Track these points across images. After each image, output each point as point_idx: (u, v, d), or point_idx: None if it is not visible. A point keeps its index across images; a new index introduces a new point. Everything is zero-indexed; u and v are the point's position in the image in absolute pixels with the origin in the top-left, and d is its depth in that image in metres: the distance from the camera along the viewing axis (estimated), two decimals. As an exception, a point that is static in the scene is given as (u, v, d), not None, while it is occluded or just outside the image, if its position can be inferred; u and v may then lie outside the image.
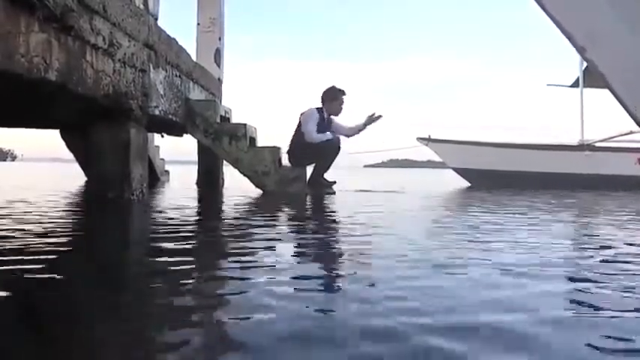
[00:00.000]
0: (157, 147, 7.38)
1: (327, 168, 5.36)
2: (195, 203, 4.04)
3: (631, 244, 2.07)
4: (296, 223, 2.72)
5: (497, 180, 8.12)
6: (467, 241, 1.99)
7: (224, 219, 2.98)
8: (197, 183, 6.33)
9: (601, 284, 1.28)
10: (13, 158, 38.36)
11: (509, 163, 8.35)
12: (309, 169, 5.28)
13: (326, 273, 1.44)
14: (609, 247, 1.98)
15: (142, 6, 3.54)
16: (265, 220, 2.72)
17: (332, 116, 5.42)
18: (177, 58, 4.33)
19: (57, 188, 5.28)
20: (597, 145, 8.35)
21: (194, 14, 6.33)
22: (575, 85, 9.04)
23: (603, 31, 0.85)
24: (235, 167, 4.93)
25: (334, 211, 3.44)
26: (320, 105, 5.35)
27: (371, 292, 1.18)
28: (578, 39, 0.85)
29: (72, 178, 7.44)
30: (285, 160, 5.25)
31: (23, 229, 2.13)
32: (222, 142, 4.83)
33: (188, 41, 6.41)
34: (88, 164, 4.94)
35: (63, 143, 6.25)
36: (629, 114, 0.90)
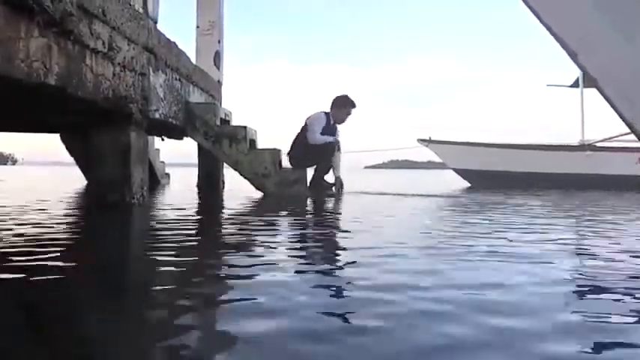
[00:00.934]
0: (158, 150, 7.38)
1: (328, 170, 5.37)
2: (195, 206, 4.03)
3: None
4: (297, 226, 2.71)
5: (498, 180, 8.13)
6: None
7: (225, 222, 2.98)
8: (198, 186, 6.33)
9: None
10: (14, 162, 38.37)
11: (509, 164, 8.36)
12: (310, 172, 5.29)
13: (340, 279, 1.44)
14: None
15: (141, 10, 3.54)
16: (266, 224, 2.72)
17: (337, 124, 5.44)
18: (177, 61, 4.33)
19: (57, 191, 5.28)
20: (598, 145, 8.35)
21: (193, 17, 6.35)
22: (575, 85, 9.05)
23: (594, 38, 0.87)
24: (235, 170, 4.93)
25: (334, 214, 3.43)
26: (328, 110, 5.37)
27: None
28: (570, 45, 0.87)
29: (72, 181, 7.44)
30: (285, 162, 5.26)
31: (24, 233, 2.13)
32: (222, 144, 4.83)
33: (188, 44, 6.42)
34: (88, 168, 4.95)
35: (63, 147, 6.27)
36: (620, 116, 0.92)
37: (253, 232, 2.32)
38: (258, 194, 4.80)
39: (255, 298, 1.12)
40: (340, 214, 3.47)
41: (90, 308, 1.10)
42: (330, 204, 4.14)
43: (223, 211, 3.69)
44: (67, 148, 6.17)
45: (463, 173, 8.90)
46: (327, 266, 1.57)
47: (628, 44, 0.86)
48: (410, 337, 0.88)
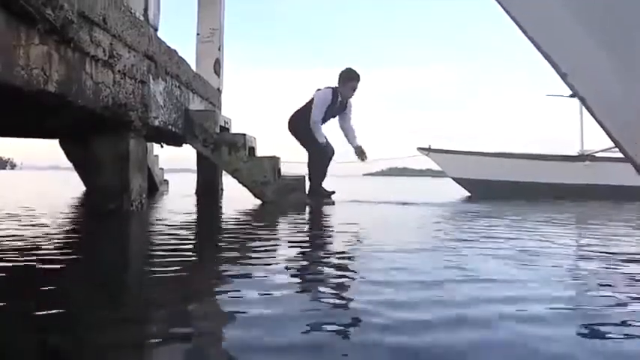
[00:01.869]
0: (156, 156, 7.37)
1: (324, 176, 5.34)
2: (194, 214, 4.02)
3: None
4: (297, 237, 2.70)
5: (497, 190, 8.12)
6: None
7: (223, 231, 2.97)
8: (196, 192, 6.32)
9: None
10: (13, 166, 38.36)
11: (508, 174, 8.36)
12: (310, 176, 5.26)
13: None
14: None
15: (142, 17, 3.55)
16: (265, 233, 2.71)
17: (349, 105, 5.30)
18: (177, 68, 4.34)
19: (56, 197, 5.27)
20: (597, 155, 8.36)
21: (194, 24, 6.37)
22: (574, 95, 9.06)
23: (582, 60, 0.90)
24: (234, 177, 4.93)
25: (333, 226, 3.42)
26: (336, 85, 5.26)
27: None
28: (560, 66, 0.90)
29: (71, 186, 7.43)
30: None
31: (24, 241, 2.12)
32: (221, 152, 4.82)
33: (188, 51, 6.44)
34: (87, 175, 4.94)
35: (61, 151, 6.25)
36: (607, 134, 0.94)
37: (251, 242, 2.31)
38: (257, 202, 4.79)
39: (254, 312, 1.11)
40: (337, 224, 3.46)
41: (89, 319, 1.09)
42: (328, 212, 4.13)
43: (222, 219, 3.68)
44: (66, 154, 6.16)
45: (463, 182, 8.90)
46: (322, 275, 1.56)
47: (614, 67, 0.90)
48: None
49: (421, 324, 1.04)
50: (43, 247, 2.04)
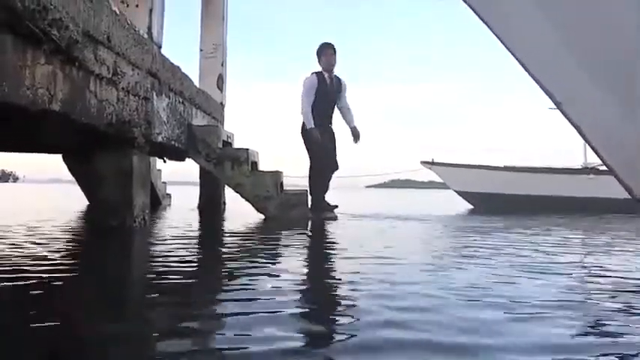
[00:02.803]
0: (159, 170, 7.38)
1: (326, 189, 5.32)
2: (196, 230, 4.01)
3: None
4: (300, 252, 2.69)
5: (500, 203, 8.11)
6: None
7: (225, 247, 2.96)
8: (199, 207, 6.32)
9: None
10: (15, 179, 38.48)
11: (512, 187, 8.35)
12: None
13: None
14: None
15: (146, 35, 3.58)
16: (269, 250, 2.69)
17: (344, 84, 5.26)
18: (180, 84, 4.36)
19: (59, 212, 5.27)
20: (601, 168, 8.34)
21: (197, 40, 6.42)
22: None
23: (576, 90, 0.92)
24: (237, 192, 4.93)
25: (334, 243, 3.41)
26: (319, 69, 5.22)
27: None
28: (555, 95, 0.92)
29: (73, 200, 7.44)
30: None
31: (27, 257, 2.11)
32: (224, 167, 4.83)
33: (191, 66, 6.49)
34: (90, 191, 4.94)
35: (63, 164, 6.26)
36: (604, 164, 0.96)
37: (254, 259, 2.29)
38: (260, 216, 4.78)
39: (254, 330, 1.10)
40: (343, 240, 3.45)
41: (91, 335, 1.08)
42: (331, 227, 4.11)
43: (224, 235, 3.67)
44: (69, 169, 6.17)
45: (466, 196, 8.89)
46: (327, 295, 1.55)
47: (609, 97, 0.91)
48: None
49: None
50: (46, 262, 2.03)
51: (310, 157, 5.20)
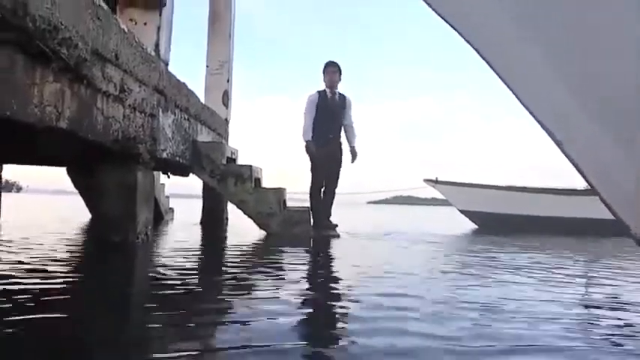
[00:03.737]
0: (163, 185, 7.40)
1: (328, 210, 5.34)
2: (199, 247, 4.01)
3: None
4: (302, 270, 2.67)
5: (505, 223, 8.07)
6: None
7: (228, 266, 2.94)
8: (201, 222, 6.31)
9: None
10: (19, 190, 38.58)
11: (516, 207, 8.31)
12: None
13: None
14: None
15: (153, 52, 3.62)
16: (271, 268, 2.68)
17: (348, 102, 5.34)
18: (186, 101, 4.40)
19: (62, 226, 5.27)
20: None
21: (204, 56, 6.49)
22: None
23: (577, 130, 0.92)
24: (240, 208, 4.93)
25: (336, 262, 3.39)
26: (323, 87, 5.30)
27: None
28: (555, 135, 0.93)
29: (76, 212, 7.45)
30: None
31: (30, 271, 2.11)
32: (227, 183, 4.84)
33: (197, 81, 6.54)
34: (93, 205, 4.95)
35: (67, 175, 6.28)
36: (605, 205, 0.98)
37: (256, 278, 2.28)
38: (262, 232, 4.77)
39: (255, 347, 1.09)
40: (343, 258, 3.43)
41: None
42: (333, 246, 4.10)
43: (227, 251, 3.66)
44: (73, 182, 6.19)
45: (470, 215, 8.85)
46: (328, 319, 1.53)
47: (606, 138, 0.92)
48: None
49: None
50: (49, 277, 2.03)
51: (310, 173, 5.26)
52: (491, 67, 0.91)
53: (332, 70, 5.26)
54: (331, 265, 3.05)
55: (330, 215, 5.36)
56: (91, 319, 1.50)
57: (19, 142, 3.17)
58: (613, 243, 5.60)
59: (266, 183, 5.46)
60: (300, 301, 1.85)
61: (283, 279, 2.35)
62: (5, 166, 5.80)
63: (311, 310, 1.71)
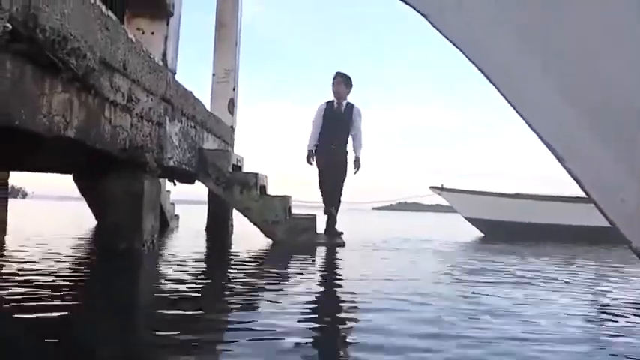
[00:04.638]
0: (168, 192, 7.41)
1: (336, 218, 5.36)
2: (204, 255, 4.01)
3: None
4: (307, 281, 2.67)
5: (511, 231, 8.02)
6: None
7: (233, 274, 2.94)
8: (206, 229, 6.32)
9: None
10: (24, 196, 38.77)
11: (523, 215, 8.26)
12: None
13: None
14: None
15: (160, 62, 3.64)
16: (276, 277, 2.68)
17: (356, 111, 5.39)
18: (193, 109, 4.41)
19: (68, 233, 5.29)
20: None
21: (210, 64, 6.52)
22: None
23: (578, 146, 0.93)
24: (245, 216, 4.94)
25: (341, 273, 3.38)
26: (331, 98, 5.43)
27: None
28: (557, 151, 0.94)
29: (82, 218, 7.48)
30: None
31: (36, 279, 2.11)
32: (233, 191, 4.85)
33: (203, 89, 6.58)
34: (99, 213, 4.97)
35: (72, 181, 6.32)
36: (601, 213, 0.98)
37: (262, 287, 2.28)
38: (267, 240, 4.77)
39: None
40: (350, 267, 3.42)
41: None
42: (338, 255, 4.08)
43: (232, 260, 3.66)
44: (79, 190, 6.23)
45: (476, 223, 8.80)
46: (336, 332, 1.53)
47: (607, 154, 0.92)
48: None
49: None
50: (53, 286, 2.03)
51: (318, 181, 5.39)
52: (495, 86, 0.92)
53: (337, 80, 5.38)
54: (337, 276, 3.04)
55: (336, 223, 5.37)
56: (94, 323, 1.51)
57: (27, 150, 3.19)
58: (622, 251, 5.55)
59: (269, 190, 5.48)
60: (307, 317, 1.84)
61: (289, 291, 2.34)
62: (11, 173, 5.84)
63: (319, 335, 1.69)
